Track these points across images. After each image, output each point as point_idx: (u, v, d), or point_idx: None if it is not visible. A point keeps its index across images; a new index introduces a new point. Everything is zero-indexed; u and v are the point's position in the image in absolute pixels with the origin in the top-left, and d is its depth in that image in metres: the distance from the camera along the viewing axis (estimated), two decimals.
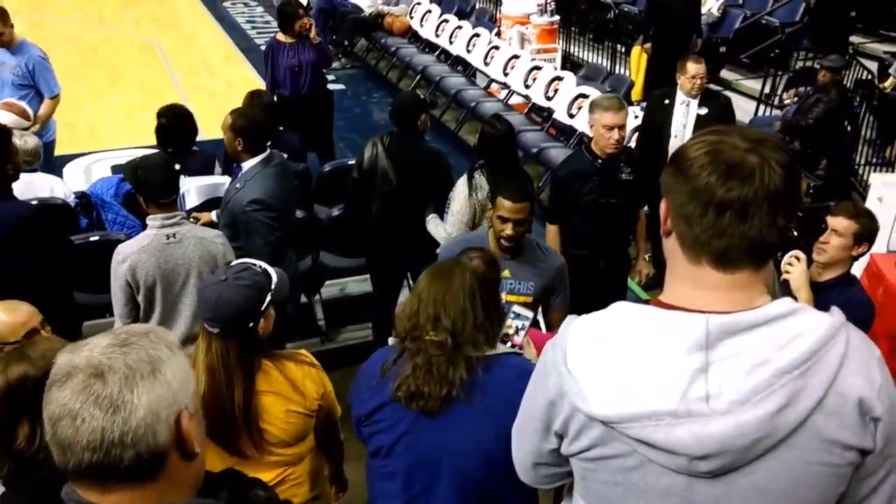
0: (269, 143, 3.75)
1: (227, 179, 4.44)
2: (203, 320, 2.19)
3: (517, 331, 2.79)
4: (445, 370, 2.02)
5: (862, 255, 3.08)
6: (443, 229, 3.98)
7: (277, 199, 3.60)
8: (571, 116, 7.43)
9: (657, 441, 1.20)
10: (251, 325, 2.17)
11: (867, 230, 3.02)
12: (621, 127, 3.89)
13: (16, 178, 3.38)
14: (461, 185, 3.96)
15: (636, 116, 6.47)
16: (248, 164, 3.68)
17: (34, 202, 3.94)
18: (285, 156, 4.70)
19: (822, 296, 2.93)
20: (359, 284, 5.35)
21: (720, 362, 1.18)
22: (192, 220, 3.98)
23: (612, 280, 4.27)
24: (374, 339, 4.55)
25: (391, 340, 2.29)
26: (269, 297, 2.21)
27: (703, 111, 4.99)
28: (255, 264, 2.28)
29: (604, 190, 3.97)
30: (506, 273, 3.08)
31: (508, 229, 3.02)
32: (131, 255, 3.10)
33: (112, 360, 1.09)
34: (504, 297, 3.08)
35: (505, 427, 1.53)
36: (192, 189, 4.36)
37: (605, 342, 1.27)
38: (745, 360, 1.17)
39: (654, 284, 4.68)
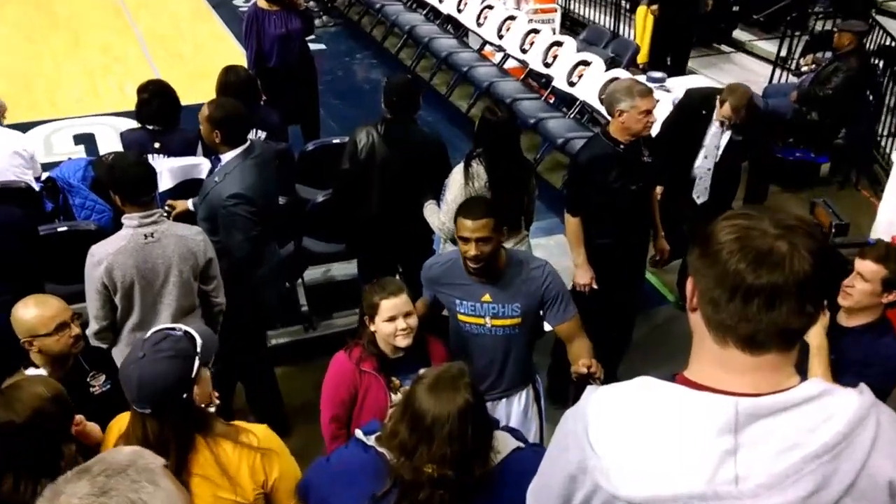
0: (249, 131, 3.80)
1: (203, 161, 4.48)
2: (131, 402, 2.14)
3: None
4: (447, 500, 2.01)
5: (894, 302, 2.88)
6: (438, 217, 4.07)
7: (258, 193, 3.65)
8: (572, 85, 7.45)
9: None
10: (185, 396, 2.14)
11: None
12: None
13: None
14: (457, 173, 4.02)
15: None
16: (227, 157, 3.71)
17: None
18: (263, 136, 4.79)
19: (850, 343, 2.85)
20: (344, 268, 5.44)
21: (749, 446, 1.22)
22: (166, 208, 4.04)
23: (632, 266, 4.40)
24: None
25: (359, 434, 2.22)
26: (196, 362, 2.17)
27: (738, 138, 4.94)
28: (174, 329, 2.23)
29: (629, 175, 4.05)
30: (486, 297, 3.10)
31: (472, 249, 2.98)
32: (107, 257, 3.15)
33: None
34: (489, 321, 3.14)
35: None
36: (166, 170, 4.40)
37: (630, 418, 1.30)
38: (774, 444, 1.21)
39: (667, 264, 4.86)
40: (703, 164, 5.01)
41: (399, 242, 4.36)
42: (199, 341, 2.21)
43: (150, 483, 1.17)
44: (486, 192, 3.95)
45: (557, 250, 5.79)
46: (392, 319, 2.83)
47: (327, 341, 4.72)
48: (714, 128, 4.94)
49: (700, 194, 5.06)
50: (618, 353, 4.58)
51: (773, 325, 1.24)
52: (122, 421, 2.27)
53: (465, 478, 2.03)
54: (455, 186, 3.98)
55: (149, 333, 2.24)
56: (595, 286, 4.17)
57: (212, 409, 2.31)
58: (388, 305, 2.83)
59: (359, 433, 2.23)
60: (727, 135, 4.94)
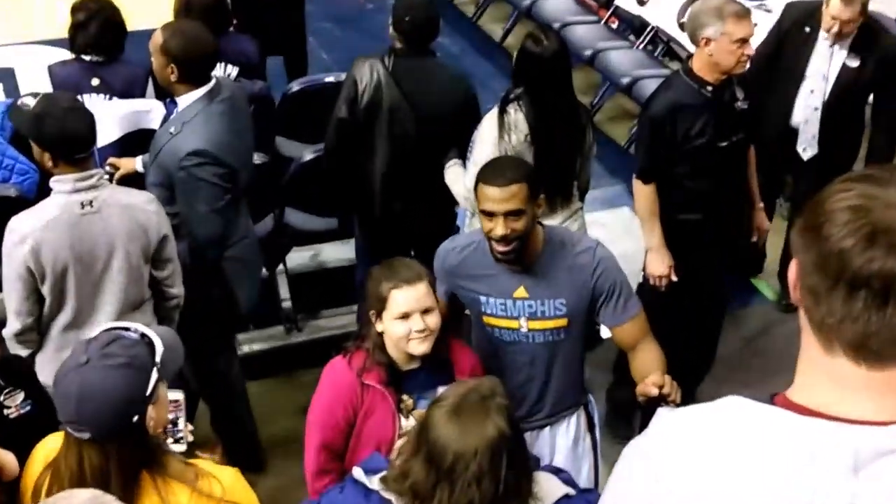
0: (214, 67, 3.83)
1: (155, 106, 4.51)
2: (65, 424, 2.14)
3: (172, 425, 2.54)
4: None
5: None
6: (463, 183, 4.08)
7: (227, 150, 3.67)
8: (641, 4, 7.40)
9: None
10: (135, 419, 2.13)
11: None
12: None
13: None
14: (488, 123, 4.04)
15: None
16: (185, 100, 3.72)
17: None
18: (234, 73, 4.81)
19: None
20: (338, 250, 5.50)
21: (872, 495, 1.21)
22: (107, 168, 4.08)
23: (722, 251, 4.42)
24: None
25: (358, 474, 2.26)
26: (154, 375, 2.18)
27: (855, 63, 4.81)
28: (127, 330, 2.24)
29: (720, 127, 4.06)
30: (520, 292, 3.14)
31: (498, 227, 2.95)
32: (33, 234, 3.18)
33: None
34: (525, 325, 3.16)
35: None
36: (108, 117, 4.43)
37: (713, 457, 1.29)
38: None
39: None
40: (809, 101, 4.89)
41: (412, 217, 4.37)
42: (159, 348, 2.22)
43: None
44: (527, 148, 3.97)
45: (621, 229, 5.80)
46: (406, 317, 2.84)
47: (315, 348, 4.77)
48: (821, 47, 4.80)
49: (806, 145, 4.98)
50: (699, 369, 4.61)
51: (890, 330, 1.21)
52: (49, 446, 2.30)
53: None
54: (485, 141, 4.00)
55: (96, 333, 2.27)
56: (674, 277, 4.19)
57: (181, 448, 2.35)
58: (401, 298, 2.84)
59: (357, 472, 2.27)
60: (840, 56, 4.79)
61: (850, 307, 1.22)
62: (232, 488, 2.24)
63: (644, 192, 4.19)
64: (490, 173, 3.05)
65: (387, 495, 2.16)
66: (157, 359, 2.21)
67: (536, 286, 3.11)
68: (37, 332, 3.37)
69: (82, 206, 3.22)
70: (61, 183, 3.23)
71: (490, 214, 2.98)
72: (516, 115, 3.99)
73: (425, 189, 4.26)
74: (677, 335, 4.29)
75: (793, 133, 4.98)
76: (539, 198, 3.06)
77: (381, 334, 2.90)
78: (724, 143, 4.08)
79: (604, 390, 4.55)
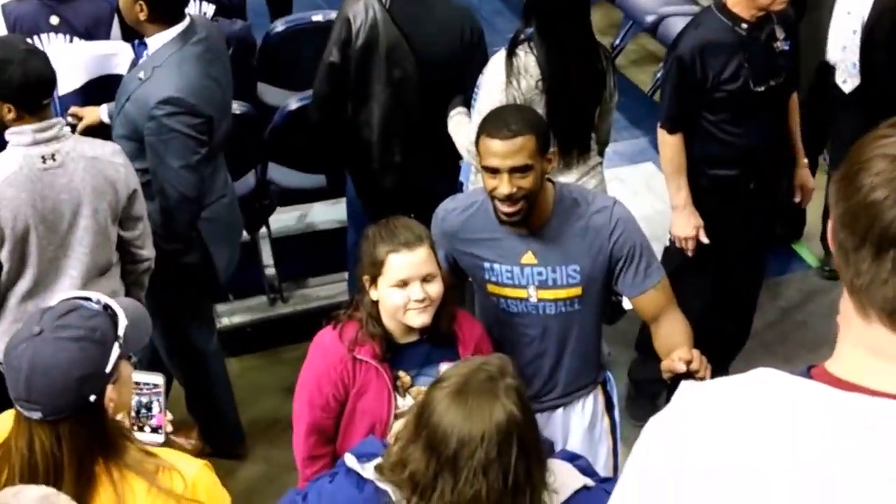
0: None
1: (123, 48, 4.49)
2: (14, 401, 2.14)
3: (146, 409, 2.51)
4: None
5: None
6: (465, 134, 4.07)
7: (203, 97, 3.66)
8: None
9: None
10: (92, 398, 2.12)
11: None
12: None
13: None
14: (494, 66, 4.01)
15: None
16: (156, 42, 3.71)
17: None
18: (211, 11, 4.78)
19: None
20: (327, 211, 5.50)
21: None
22: (69, 118, 4.07)
23: (764, 215, 4.41)
24: None
25: (351, 462, 2.27)
26: (115, 351, 2.17)
27: None
28: (87, 299, 2.24)
29: (757, 70, 4.05)
30: (528, 258, 3.11)
31: (503, 185, 2.93)
32: None
33: None
34: (534, 294, 3.15)
35: None
36: (70, 62, 4.42)
37: (741, 435, 1.29)
38: None
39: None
40: (846, 23, 4.83)
41: (412, 171, 4.35)
42: (122, 321, 2.22)
43: None
44: (538, 95, 3.95)
45: (643, 186, 5.80)
46: (404, 285, 2.83)
47: (302, 320, 4.80)
48: None
49: (847, 76, 4.93)
50: (733, 343, 4.63)
51: None
52: (1, 427, 2.29)
53: None
54: (491, 87, 3.98)
55: (52, 302, 2.26)
56: (704, 239, 4.19)
57: (158, 439, 2.35)
58: (399, 263, 2.82)
59: (350, 460, 2.28)
60: None
61: (878, 269, 1.21)
62: (196, 484, 2.22)
63: (670, 143, 4.18)
64: (493, 124, 3.01)
65: (382, 486, 2.17)
66: (120, 332, 2.20)
67: (546, 251, 3.10)
68: None
69: (43, 159, 3.22)
70: (19, 135, 3.23)
71: (493, 171, 2.96)
72: (526, 58, 3.95)
73: (427, 140, 4.24)
74: (708, 306, 4.31)
75: (829, 67, 4.93)
76: (549, 151, 3.05)
77: (375, 303, 2.89)
78: (761, 88, 4.05)
79: (625, 368, 4.57)
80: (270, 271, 5.20)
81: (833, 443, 1.24)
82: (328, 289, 5.22)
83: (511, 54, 3.97)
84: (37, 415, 2.10)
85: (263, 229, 5.21)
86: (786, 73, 4.15)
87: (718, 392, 1.36)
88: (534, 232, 3.10)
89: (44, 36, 4.39)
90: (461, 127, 4.13)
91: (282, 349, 4.96)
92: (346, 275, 5.01)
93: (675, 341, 3.02)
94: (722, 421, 1.32)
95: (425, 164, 4.33)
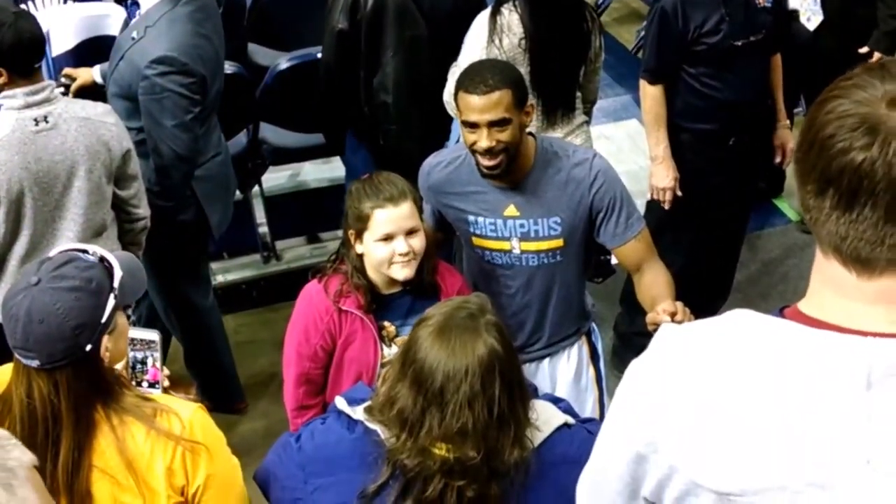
0: None
1: (115, 9, 4.47)
2: (13, 350, 2.15)
3: (142, 364, 2.52)
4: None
5: None
6: (447, 89, 4.04)
7: (196, 56, 3.64)
8: None
9: None
10: (88, 347, 2.15)
11: None
12: None
13: None
14: (478, 24, 3.96)
15: None
16: (148, 1, 3.68)
17: None
18: None
19: None
20: (319, 170, 5.50)
21: (886, 412, 1.23)
22: (62, 79, 4.05)
23: (746, 171, 4.40)
24: None
25: (342, 404, 2.28)
26: (111, 302, 2.18)
27: None
28: (83, 251, 2.24)
29: (739, 25, 4.05)
30: (510, 211, 3.11)
31: (483, 139, 2.94)
32: None
33: None
34: (517, 246, 3.15)
35: None
36: (64, 23, 4.40)
37: (719, 374, 1.32)
38: None
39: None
40: None
41: (427, 129, 4.30)
42: (117, 273, 2.22)
43: (3, 487, 1.23)
44: (521, 54, 3.90)
45: (628, 143, 5.79)
46: (388, 239, 2.84)
47: (296, 278, 4.73)
48: None
49: (810, 13, 4.94)
50: (716, 296, 4.64)
51: (859, 237, 1.24)
52: (4, 376, 2.30)
53: (492, 463, 2.09)
54: (472, 45, 3.93)
55: (52, 252, 2.27)
56: (679, 192, 4.20)
57: (156, 393, 2.35)
58: (383, 217, 2.83)
59: (340, 402, 2.29)
60: None
61: (821, 205, 1.25)
62: (192, 425, 2.24)
63: (650, 94, 4.18)
64: (470, 80, 3.00)
65: (372, 426, 2.17)
66: (115, 284, 2.21)
67: (528, 204, 3.11)
68: None
69: (36, 122, 3.21)
70: (11, 99, 3.21)
71: (473, 125, 2.97)
72: (510, 17, 3.90)
73: (439, 97, 4.14)
74: (690, 259, 4.32)
75: (794, 14, 4.95)
76: (527, 104, 3.04)
77: (360, 256, 2.90)
78: (739, 43, 4.05)
79: (611, 324, 4.59)
80: (263, 229, 5.19)
81: (810, 382, 1.26)
82: (322, 248, 5.20)
83: (495, 12, 3.92)
84: (35, 363, 2.12)
85: (256, 188, 5.20)
86: (766, 30, 4.13)
87: (697, 333, 1.39)
88: (516, 185, 3.10)
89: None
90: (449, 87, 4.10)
91: (276, 306, 4.96)
92: (339, 232, 4.98)
93: (657, 292, 3.03)
94: (701, 360, 1.35)
95: (440, 123, 4.28)
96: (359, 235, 2.87)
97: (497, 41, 3.87)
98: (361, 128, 4.40)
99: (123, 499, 2.19)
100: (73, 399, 2.14)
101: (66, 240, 3.32)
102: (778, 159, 4.50)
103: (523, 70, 3.70)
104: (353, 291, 2.92)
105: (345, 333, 2.94)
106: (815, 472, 1.24)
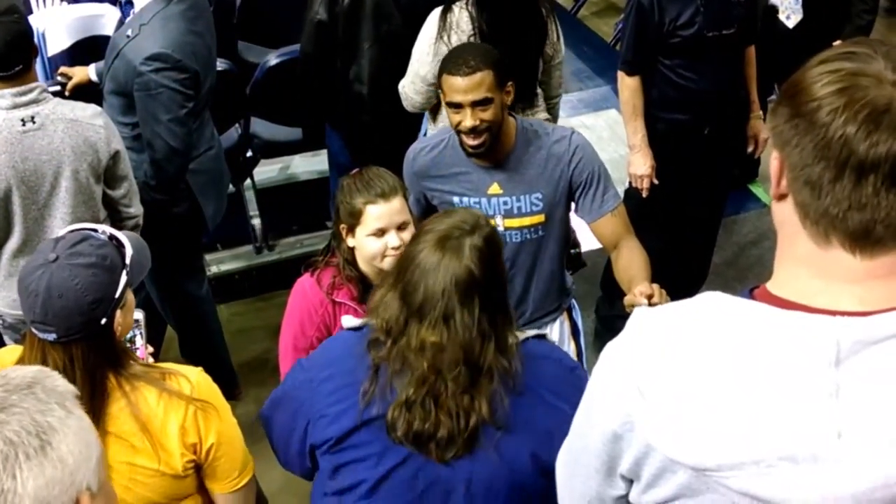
0: None
1: (109, 10, 4.46)
2: (30, 325, 2.20)
3: (130, 343, 2.69)
4: (462, 401, 2.14)
5: None
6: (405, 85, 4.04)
7: (189, 52, 3.64)
8: None
9: (770, 495, 1.27)
10: (103, 321, 2.19)
11: None
12: None
13: None
14: (429, 21, 3.94)
15: None
16: (142, 0, 3.68)
17: None
18: None
19: None
20: (308, 162, 5.51)
21: (855, 386, 1.24)
22: (58, 78, 4.06)
23: (721, 159, 4.43)
24: None
25: (349, 321, 2.39)
26: (123, 278, 2.23)
27: None
28: (95, 230, 2.29)
29: (713, 18, 4.07)
30: (494, 189, 3.15)
31: (467, 119, 3.01)
32: None
33: None
34: (501, 223, 3.17)
35: (544, 444, 1.64)
36: (59, 24, 4.38)
37: (692, 354, 1.33)
38: (891, 383, 1.24)
39: None
40: None
41: (399, 120, 4.28)
42: (128, 251, 2.27)
43: (60, 407, 1.27)
44: None
45: (607, 133, 5.82)
46: (381, 234, 2.84)
47: (288, 268, 4.77)
48: None
49: (790, 11, 4.94)
50: (693, 278, 4.67)
51: None
52: (8, 357, 2.34)
53: (473, 372, 2.16)
54: (422, 41, 3.91)
55: (62, 232, 2.30)
56: (656, 180, 4.24)
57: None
58: (375, 213, 2.83)
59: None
60: None
61: (859, 194, 1.25)
62: (200, 386, 2.32)
63: (627, 85, 4.21)
64: (453, 62, 3.05)
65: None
66: (126, 261, 2.25)
67: (510, 181, 3.15)
68: None
69: (23, 122, 3.20)
70: None
71: (457, 106, 3.02)
72: (460, 14, 3.86)
73: None
74: (668, 244, 4.35)
75: (774, 9, 4.94)
76: (507, 84, 3.08)
77: (351, 249, 2.91)
78: (711, 34, 4.07)
79: (592, 307, 4.63)
80: (256, 221, 5.21)
81: (779, 360, 1.28)
82: (313, 238, 5.22)
83: (446, 10, 3.90)
84: (51, 336, 2.16)
85: (248, 181, 5.21)
86: (739, 23, 4.15)
87: (670, 316, 1.41)
88: (499, 163, 3.14)
89: (48, 1, 4.35)
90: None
91: (268, 295, 5.00)
92: (329, 223, 5.00)
93: (634, 272, 3.04)
94: (674, 341, 1.36)
95: (412, 115, 4.27)
96: (350, 230, 2.88)
97: (445, 38, 3.86)
98: (336, 116, 4.43)
99: (139, 461, 2.24)
100: (88, 370, 2.18)
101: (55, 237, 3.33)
102: (750, 148, 4.52)
103: None
104: (345, 283, 2.93)
105: (338, 324, 2.93)
106: (787, 446, 1.25)
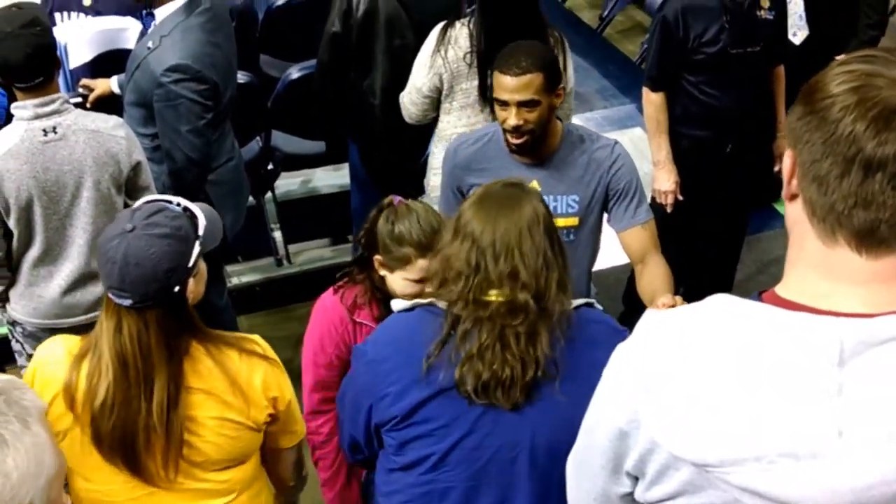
0: None
1: (132, 24, 4.46)
2: (107, 290, 2.25)
3: None
4: (527, 345, 2.20)
5: None
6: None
7: (209, 64, 3.63)
8: None
9: (770, 491, 1.28)
10: (176, 289, 2.25)
11: None
12: None
13: None
14: (432, 34, 3.91)
15: None
16: (163, 12, 3.67)
17: None
18: None
19: None
20: (329, 176, 5.50)
21: (857, 386, 1.25)
22: (80, 89, 4.05)
23: (744, 176, 4.38)
24: None
25: (399, 304, 2.42)
26: (196, 248, 2.29)
27: None
28: (170, 201, 2.34)
29: (738, 35, 4.05)
30: (533, 186, 3.06)
31: (511, 117, 3.04)
32: None
33: None
34: None
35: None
36: (82, 37, 4.39)
37: (698, 354, 1.35)
38: (892, 384, 1.25)
39: None
40: None
41: (412, 135, 4.29)
42: (201, 222, 2.34)
43: (19, 420, 1.28)
44: (466, 67, 3.83)
45: (632, 150, 5.73)
46: (421, 282, 2.74)
47: (308, 280, 4.81)
48: None
49: (796, 28, 4.90)
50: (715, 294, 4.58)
51: None
52: (67, 344, 2.37)
53: (541, 303, 2.21)
54: (421, 55, 3.90)
55: (138, 203, 2.37)
56: (680, 196, 4.19)
57: None
58: (423, 265, 2.72)
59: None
60: None
61: (865, 191, 1.26)
62: (266, 349, 2.47)
63: (652, 102, 4.20)
64: (505, 61, 3.07)
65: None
66: (200, 232, 2.32)
67: (550, 180, 3.16)
68: (7, 269, 3.38)
69: (45, 133, 3.19)
70: (21, 109, 3.20)
71: (503, 103, 3.05)
72: (460, 30, 3.83)
73: None
74: (691, 259, 4.31)
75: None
76: (558, 87, 3.10)
77: (382, 277, 2.84)
78: (736, 51, 4.04)
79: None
80: (276, 234, 5.20)
81: (783, 361, 1.29)
82: (333, 250, 5.22)
83: (448, 25, 3.87)
84: (127, 302, 2.22)
85: (269, 194, 5.20)
86: (765, 42, 4.12)
87: (678, 317, 1.43)
88: (541, 162, 3.18)
89: (73, 14, 4.35)
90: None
91: (288, 307, 4.98)
92: (349, 236, 5.00)
93: (657, 286, 3.06)
94: (681, 341, 1.38)
95: (421, 129, 4.26)
96: (389, 268, 2.79)
97: (443, 51, 3.84)
98: (350, 127, 4.46)
99: (229, 415, 2.35)
100: (163, 335, 2.26)
101: (77, 246, 3.33)
102: (777, 168, 4.44)
103: (468, 84, 3.79)
104: (368, 304, 2.89)
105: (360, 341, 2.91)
106: (788, 443, 1.27)
